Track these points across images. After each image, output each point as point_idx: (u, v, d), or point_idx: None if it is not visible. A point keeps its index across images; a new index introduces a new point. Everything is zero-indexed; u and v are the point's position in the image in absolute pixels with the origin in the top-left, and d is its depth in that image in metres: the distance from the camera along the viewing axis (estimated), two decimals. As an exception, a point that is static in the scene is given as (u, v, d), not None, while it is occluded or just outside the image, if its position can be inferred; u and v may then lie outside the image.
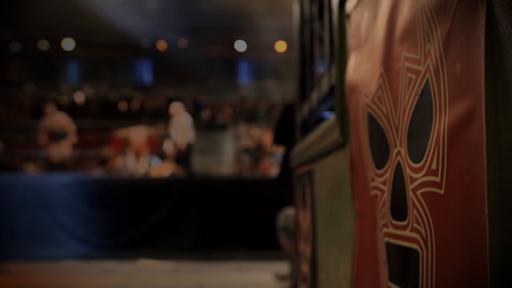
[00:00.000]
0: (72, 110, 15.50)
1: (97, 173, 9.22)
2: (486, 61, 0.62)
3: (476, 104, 0.65)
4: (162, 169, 7.49)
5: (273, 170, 8.53)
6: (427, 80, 0.79)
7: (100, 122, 13.69)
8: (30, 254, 5.61)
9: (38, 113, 14.37)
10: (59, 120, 8.71)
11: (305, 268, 2.20)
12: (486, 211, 0.61)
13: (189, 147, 8.30)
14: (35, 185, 6.04)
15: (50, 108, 8.86)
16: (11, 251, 5.64)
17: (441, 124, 0.74)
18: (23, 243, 5.79)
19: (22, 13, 15.06)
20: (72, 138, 8.71)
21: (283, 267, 4.57)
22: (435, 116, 0.77)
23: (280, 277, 4.35)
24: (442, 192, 0.74)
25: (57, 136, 8.41)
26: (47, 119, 8.78)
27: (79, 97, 16.36)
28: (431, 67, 0.78)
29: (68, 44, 17.81)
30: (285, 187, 4.03)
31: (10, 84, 16.53)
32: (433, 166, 0.77)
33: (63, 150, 8.46)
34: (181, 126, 8.23)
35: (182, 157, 8.13)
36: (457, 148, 0.69)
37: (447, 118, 0.72)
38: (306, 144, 2.09)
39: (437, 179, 0.75)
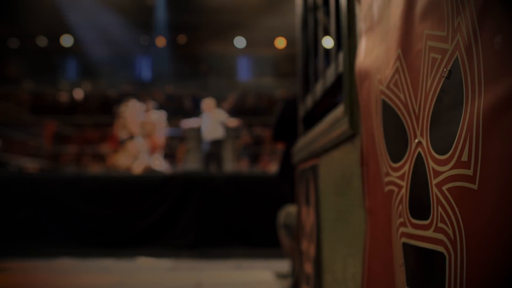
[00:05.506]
0: (71, 106, 15.42)
1: (96, 169, 9.14)
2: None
3: (521, 83, 0.55)
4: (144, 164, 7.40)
5: (273, 167, 8.45)
6: (456, 58, 0.69)
7: (99, 118, 13.59)
8: (27, 252, 5.52)
9: (37, 109, 14.28)
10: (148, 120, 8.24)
11: (308, 268, 2.11)
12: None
13: (219, 144, 8.21)
14: (32, 182, 5.95)
15: (149, 105, 8.59)
16: (8, 249, 5.56)
17: (474, 108, 0.64)
18: (21, 241, 5.70)
19: (20, 10, 14.95)
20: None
21: (284, 265, 4.48)
22: (466, 100, 0.67)
23: (281, 275, 4.26)
24: (475, 186, 0.64)
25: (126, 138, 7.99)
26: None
27: (78, 94, 16.26)
28: (461, 44, 0.68)
29: (67, 40, 17.69)
30: (286, 184, 3.94)
31: (9, 81, 16.43)
32: (464, 158, 0.67)
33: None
34: (215, 122, 8.18)
35: (212, 153, 8.06)
36: (495, 136, 0.59)
37: (482, 101, 0.62)
38: (310, 138, 1.99)
39: (469, 172, 0.65)
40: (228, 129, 8.73)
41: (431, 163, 0.78)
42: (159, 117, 8.50)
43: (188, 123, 8.98)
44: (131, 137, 7.83)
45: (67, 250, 5.60)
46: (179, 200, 5.81)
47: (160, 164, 7.89)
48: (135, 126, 7.97)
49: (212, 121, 8.23)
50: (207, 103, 8.45)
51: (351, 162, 1.30)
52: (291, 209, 3.37)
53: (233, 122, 8.75)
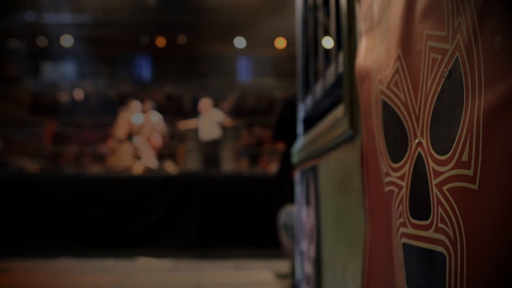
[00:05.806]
0: (71, 106, 15.41)
1: (96, 169, 9.14)
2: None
3: (522, 83, 0.55)
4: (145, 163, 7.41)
5: (273, 167, 8.44)
6: (456, 59, 0.69)
7: (99, 118, 13.58)
8: (27, 252, 5.52)
9: (37, 109, 14.27)
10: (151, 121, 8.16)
11: (308, 268, 2.11)
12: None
13: (217, 144, 8.23)
14: (32, 182, 5.95)
15: (147, 105, 8.55)
16: (8, 249, 5.55)
17: (474, 108, 0.64)
18: (21, 241, 5.70)
19: (21, 10, 14.95)
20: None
21: (283, 265, 4.48)
22: (466, 100, 0.67)
23: (281, 276, 4.26)
24: (475, 187, 0.64)
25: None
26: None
27: (78, 94, 16.24)
28: (461, 44, 0.68)
29: (67, 40, 17.68)
30: (286, 184, 3.94)
31: (9, 81, 16.42)
32: (464, 158, 0.67)
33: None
34: (212, 122, 8.19)
35: (209, 153, 8.07)
36: (496, 136, 0.59)
37: (482, 101, 0.62)
38: (310, 139, 1.99)
39: (469, 172, 0.65)
40: (228, 129, 8.73)
41: (431, 163, 0.78)
42: (157, 118, 8.50)
43: (186, 124, 9.01)
44: (130, 137, 7.83)
45: (67, 250, 5.60)
46: (179, 200, 5.81)
47: (156, 165, 7.89)
48: (134, 127, 7.97)
49: (209, 121, 8.24)
50: (204, 103, 8.46)
51: (351, 162, 1.30)
52: (291, 209, 3.37)
53: (230, 121, 8.77)
